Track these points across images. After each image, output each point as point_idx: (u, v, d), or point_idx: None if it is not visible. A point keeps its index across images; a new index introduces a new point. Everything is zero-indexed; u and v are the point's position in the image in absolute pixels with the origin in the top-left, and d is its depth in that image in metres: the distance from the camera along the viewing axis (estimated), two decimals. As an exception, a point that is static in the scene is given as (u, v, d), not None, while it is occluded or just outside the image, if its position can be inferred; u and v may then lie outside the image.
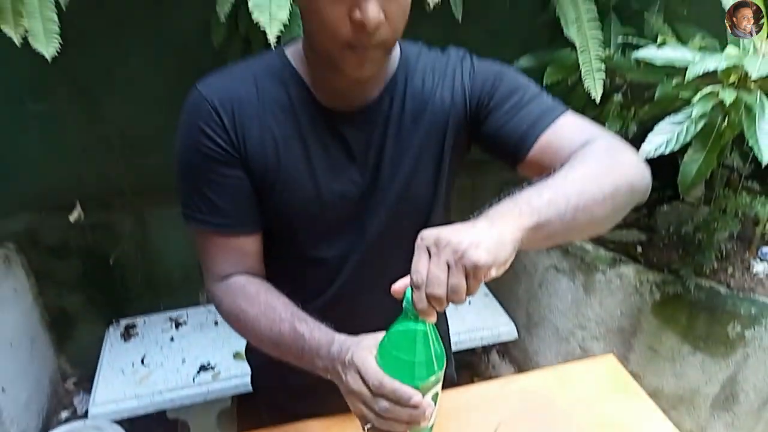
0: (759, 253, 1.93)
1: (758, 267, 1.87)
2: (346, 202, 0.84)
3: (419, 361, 0.61)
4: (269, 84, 0.80)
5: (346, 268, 0.88)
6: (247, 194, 0.81)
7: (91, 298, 2.09)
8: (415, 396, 0.60)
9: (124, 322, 2.07)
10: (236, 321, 0.82)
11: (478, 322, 2.11)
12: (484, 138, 0.84)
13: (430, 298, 0.56)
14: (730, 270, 1.84)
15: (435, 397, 0.65)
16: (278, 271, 0.88)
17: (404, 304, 0.60)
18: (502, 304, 2.21)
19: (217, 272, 0.85)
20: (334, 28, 0.67)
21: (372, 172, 0.83)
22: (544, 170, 0.71)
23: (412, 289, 0.58)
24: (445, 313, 1.11)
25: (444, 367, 0.64)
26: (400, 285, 0.61)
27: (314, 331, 0.73)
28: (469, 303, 2.20)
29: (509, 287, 2.26)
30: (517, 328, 2.12)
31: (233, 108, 0.78)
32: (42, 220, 1.98)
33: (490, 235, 0.57)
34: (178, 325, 2.06)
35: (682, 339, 1.75)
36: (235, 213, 0.81)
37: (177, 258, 2.11)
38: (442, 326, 1.10)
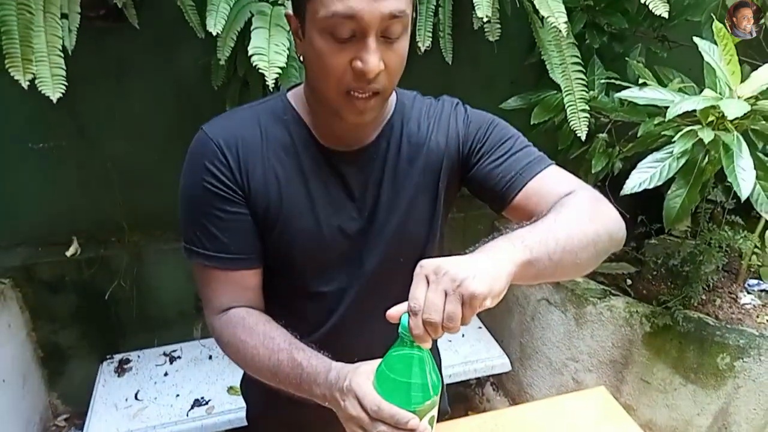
0: (746, 284, 1.97)
1: (745, 298, 1.91)
2: (344, 238, 0.88)
3: (415, 385, 0.63)
4: (272, 126, 0.84)
5: (345, 302, 0.91)
6: (250, 230, 0.84)
7: (86, 333, 2.08)
8: (413, 419, 0.62)
9: (118, 357, 2.06)
10: (236, 352, 0.84)
11: (471, 354, 2.13)
12: (474, 181, 0.88)
13: (426, 324, 0.59)
14: (718, 302, 1.87)
15: (431, 421, 0.67)
16: (278, 304, 0.90)
17: (400, 330, 0.62)
18: (495, 337, 2.23)
19: (217, 306, 0.87)
20: (336, 76, 0.72)
21: (370, 209, 0.87)
22: (528, 216, 0.76)
23: (409, 315, 0.61)
24: (437, 346, 1.14)
25: (440, 392, 0.67)
26: (396, 311, 0.64)
27: (311, 359, 0.75)
28: (463, 335, 2.22)
29: (502, 320, 2.28)
30: (510, 361, 2.13)
31: (238, 148, 0.81)
32: (38, 255, 1.99)
33: (487, 267, 0.61)
34: (172, 359, 2.06)
35: (673, 370, 1.77)
36: (237, 248, 0.84)
37: (172, 293, 2.12)
38: (435, 359, 1.12)
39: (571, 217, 0.73)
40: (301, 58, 0.79)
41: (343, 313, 0.91)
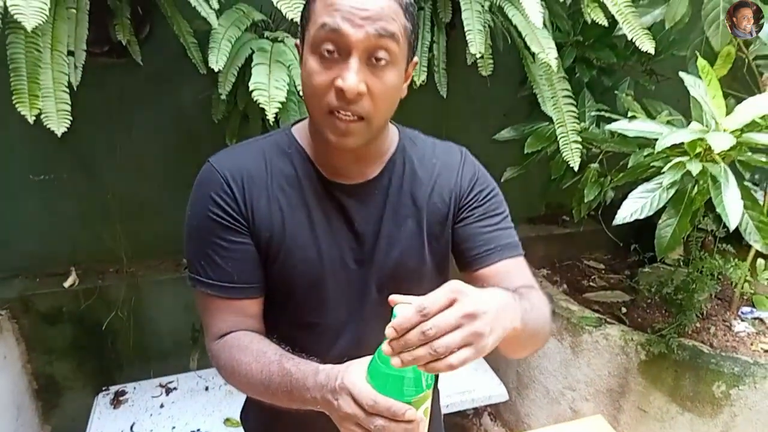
0: (739, 312, 1.99)
1: (739, 326, 1.92)
2: (345, 269, 0.89)
3: (408, 378, 0.64)
4: (277, 158, 0.87)
5: (346, 333, 0.92)
6: (253, 260, 0.86)
7: (81, 365, 2.07)
8: (409, 410, 0.63)
9: (114, 389, 2.04)
10: (231, 373, 0.84)
11: (468, 383, 2.12)
12: (453, 234, 0.93)
13: (420, 330, 0.58)
14: (712, 329, 1.89)
15: (426, 413, 0.67)
16: (279, 335, 0.90)
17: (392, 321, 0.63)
18: (492, 366, 2.23)
19: (217, 332, 0.88)
20: (320, 95, 0.75)
21: (370, 243, 0.89)
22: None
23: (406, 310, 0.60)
24: (436, 381, 1.14)
25: (433, 385, 0.67)
26: (399, 297, 0.66)
27: (300, 365, 0.76)
28: (460, 365, 2.21)
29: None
30: (507, 390, 2.13)
31: (243, 180, 0.84)
32: (36, 286, 1.99)
33: (504, 325, 0.64)
34: (168, 391, 2.05)
35: (669, 399, 1.77)
36: (241, 278, 0.86)
37: (169, 324, 2.12)
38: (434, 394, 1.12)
39: (541, 306, 0.82)
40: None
41: (344, 346, 0.92)
